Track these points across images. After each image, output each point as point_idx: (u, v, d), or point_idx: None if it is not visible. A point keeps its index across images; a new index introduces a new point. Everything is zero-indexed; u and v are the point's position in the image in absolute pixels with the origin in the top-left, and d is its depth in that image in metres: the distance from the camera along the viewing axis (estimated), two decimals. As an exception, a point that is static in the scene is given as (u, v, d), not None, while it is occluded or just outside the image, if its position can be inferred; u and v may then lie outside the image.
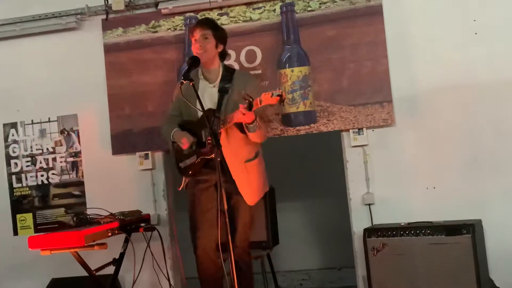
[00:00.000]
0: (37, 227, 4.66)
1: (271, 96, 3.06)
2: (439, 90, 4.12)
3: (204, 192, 3.59)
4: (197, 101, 3.16)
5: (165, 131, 3.74)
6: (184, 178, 3.66)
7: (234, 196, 3.50)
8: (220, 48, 3.61)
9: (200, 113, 3.46)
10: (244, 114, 3.21)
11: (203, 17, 4.37)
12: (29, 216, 4.70)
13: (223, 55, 3.66)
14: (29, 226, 4.69)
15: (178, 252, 4.29)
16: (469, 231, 3.63)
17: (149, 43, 4.50)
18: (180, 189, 3.70)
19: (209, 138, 3.09)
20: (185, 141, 3.49)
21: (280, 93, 3.05)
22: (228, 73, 3.60)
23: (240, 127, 3.41)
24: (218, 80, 3.57)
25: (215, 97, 3.52)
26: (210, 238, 3.52)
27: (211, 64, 3.59)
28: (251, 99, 3.14)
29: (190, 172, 3.58)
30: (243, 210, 3.56)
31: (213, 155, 3.09)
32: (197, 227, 3.57)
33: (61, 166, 4.66)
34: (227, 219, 2.91)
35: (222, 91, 3.53)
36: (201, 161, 3.49)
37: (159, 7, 4.48)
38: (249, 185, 3.53)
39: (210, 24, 3.60)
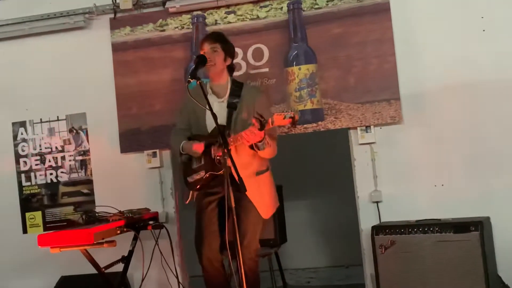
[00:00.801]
0: (46, 225, 4.69)
1: (284, 118, 3.05)
2: (447, 87, 4.11)
3: (211, 204, 3.58)
4: (207, 104, 3.13)
5: (173, 144, 3.71)
6: (191, 192, 3.65)
7: (243, 203, 3.45)
8: (229, 61, 3.60)
9: (208, 125, 3.46)
10: (254, 133, 3.18)
11: (210, 15, 4.37)
12: (38, 214, 4.72)
13: (231, 69, 3.65)
14: (38, 224, 4.72)
15: (181, 252, 4.31)
16: (477, 228, 3.63)
17: (157, 42, 4.51)
18: (187, 202, 3.68)
19: (219, 154, 3.07)
20: (197, 146, 3.46)
21: (293, 116, 3.04)
22: (237, 88, 3.57)
23: (250, 144, 3.39)
24: (227, 95, 3.54)
25: (224, 113, 3.49)
26: (215, 250, 3.54)
27: (219, 78, 3.57)
28: (263, 120, 3.12)
29: (198, 187, 3.57)
30: (254, 219, 3.51)
31: (222, 172, 3.08)
32: (202, 239, 3.56)
33: (69, 165, 4.69)
34: (234, 217, 2.91)
35: (231, 107, 3.50)
36: (209, 176, 3.47)
37: (166, 5, 4.49)
38: (262, 198, 3.52)
39: (219, 38, 3.59)
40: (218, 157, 3.23)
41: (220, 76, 3.57)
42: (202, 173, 3.50)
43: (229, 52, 3.60)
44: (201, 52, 3.53)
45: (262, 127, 3.12)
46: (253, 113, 3.27)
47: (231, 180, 2.97)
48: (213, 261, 3.56)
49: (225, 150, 2.99)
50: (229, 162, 2.97)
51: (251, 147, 3.37)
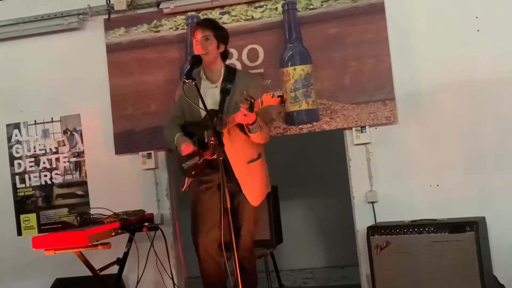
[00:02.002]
0: (41, 227, 4.67)
1: (272, 97, 3.06)
2: (442, 87, 4.12)
3: (206, 192, 3.58)
4: (200, 101, 3.16)
5: (168, 135, 3.72)
6: (187, 179, 3.66)
7: (237, 196, 3.50)
8: (222, 48, 3.60)
9: (203, 114, 3.46)
10: (245, 115, 3.20)
11: (205, 16, 4.38)
12: (32, 216, 4.71)
13: (225, 55, 3.66)
14: (32, 226, 4.70)
15: (181, 252, 4.29)
16: (472, 228, 3.63)
17: (151, 43, 4.50)
18: (183, 189, 3.70)
19: (212, 138, 3.08)
20: (184, 148, 3.49)
21: (281, 94, 3.04)
22: (230, 73, 3.59)
23: (242, 127, 3.41)
24: (220, 80, 3.56)
25: (217, 98, 3.51)
26: (212, 238, 3.53)
27: (213, 65, 3.58)
28: (252, 100, 3.13)
29: (193, 173, 3.57)
30: (247, 210, 3.55)
31: (215, 156, 3.09)
32: (198, 227, 3.56)
33: (64, 166, 4.67)
34: (230, 218, 2.91)
35: (224, 92, 3.52)
36: (203, 162, 3.48)
37: (161, 6, 4.49)
38: (252, 185, 3.53)
39: (211, 25, 3.59)
40: (211, 142, 3.22)
41: (214, 63, 3.58)
42: (196, 159, 3.50)
43: (222, 38, 3.59)
44: (194, 40, 3.54)
45: (251, 107, 3.12)
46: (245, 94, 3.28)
47: (224, 169, 2.98)
48: (209, 250, 3.54)
49: (218, 141, 3.00)
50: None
51: (244, 131, 3.37)
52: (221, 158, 2.99)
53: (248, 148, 3.52)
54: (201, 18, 4.40)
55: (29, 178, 4.72)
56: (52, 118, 4.70)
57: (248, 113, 3.19)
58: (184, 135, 3.60)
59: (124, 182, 4.54)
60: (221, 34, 3.59)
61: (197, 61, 3.41)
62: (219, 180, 3.22)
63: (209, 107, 3.35)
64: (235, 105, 3.45)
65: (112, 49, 4.56)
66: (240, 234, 3.51)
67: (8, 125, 4.77)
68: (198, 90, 3.20)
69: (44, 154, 4.71)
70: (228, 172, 3.06)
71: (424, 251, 3.70)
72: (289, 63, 4.28)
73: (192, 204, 3.63)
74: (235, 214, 3.32)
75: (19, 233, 4.72)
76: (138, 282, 4.04)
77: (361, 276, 4.25)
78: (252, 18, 4.37)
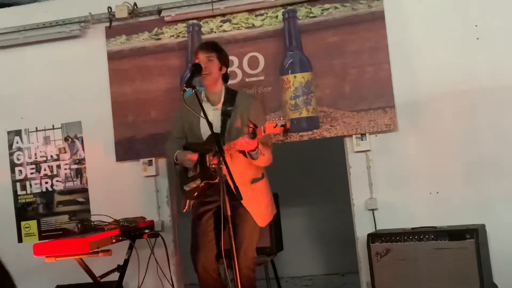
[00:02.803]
0: (42, 234, 4.68)
1: (275, 127, 3.04)
2: (441, 95, 4.13)
3: (207, 214, 3.57)
4: (201, 112, 3.13)
5: (169, 153, 3.70)
6: (188, 201, 3.64)
7: (239, 211, 3.44)
8: (224, 70, 3.60)
9: (203, 132, 3.46)
10: (247, 142, 3.18)
11: (206, 24, 4.39)
12: (33, 223, 4.71)
13: (225, 77, 3.65)
14: (33, 233, 4.70)
15: (178, 261, 4.30)
16: (472, 235, 3.63)
17: (152, 50, 4.52)
18: (184, 210, 3.66)
19: (214, 162, 3.07)
20: (190, 156, 3.46)
21: (284, 124, 3.03)
22: (230, 95, 3.57)
23: (244, 152, 3.38)
24: (221, 102, 3.55)
25: (218, 121, 3.49)
26: (211, 259, 3.54)
27: (214, 87, 3.57)
28: (255, 127, 3.12)
29: (194, 195, 3.55)
30: (250, 228, 3.50)
31: (217, 180, 3.08)
32: (198, 248, 3.54)
33: (65, 173, 4.68)
34: (230, 225, 2.90)
35: (225, 115, 3.50)
36: (205, 185, 3.46)
37: (162, 14, 4.51)
38: (258, 206, 3.51)
39: (214, 47, 3.59)
40: (213, 165, 3.22)
41: (215, 85, 3.57)
42: (198, 182, 3.50)
43: (224, 61, 3.60)
44: (196, 61, 3.53)
45: (254, 135, 3.12)
46: (247, 121, 3.28)
47: (227, 189, 2.97)
48: (209, 271, 3.55)
49: (220, 158, 2.99)
50: (224, 170, 2.97)
51: (245, 155, 3.38)
52: (223, 175, 2.96)
53: (250, 169, 3.50)
54: (202, 26, 4.42)
55: (30, 185, 4.73)
56: (53, 125, 4.71)
57: (249, 140, 3.16)
58: None
59: (124, 189, 4.54)
60: (223, 56, 3.60)
61: (197, 69, 3.42)
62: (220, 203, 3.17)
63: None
64: (236, 128, 3.45)
65: (113, 56, 4.58)
66: (240, 252, 3.43)
67: (9, 132, 4.79)
68: (199, 99, 3.18)
69: (45, 161, 4.72)
70: (231, 194, 3.00)
71: (424, 258, 3.70)
72: (290, 71, 4.30)
73: (193, 226, 3.61)
74: (235, 231, 3.25)
75: (20, 240, 4.72)
76: (138, 289, 4.04)
77: (361, 283, 4.25)
78: (253, 26, 4.39)
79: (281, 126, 3.03)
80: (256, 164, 3.45)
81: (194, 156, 3.46)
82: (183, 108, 3.32)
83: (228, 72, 3.66)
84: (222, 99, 3.56)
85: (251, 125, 3.10)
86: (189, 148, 3.57)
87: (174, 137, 3.73)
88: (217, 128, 3.44)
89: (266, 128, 3.08)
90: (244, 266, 3.44)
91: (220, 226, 3.16)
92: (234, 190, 2.94)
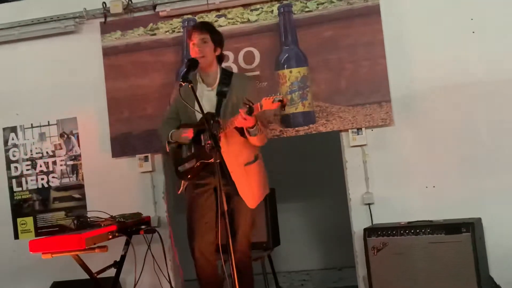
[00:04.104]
0: (38, 231, 4.67)
1: (273, 102, 3.06)
2: (437, 89, 4.13)
3: (203, 195, 3.58)
4: (196, 104, 3.16)
5: (162, 132, 3.73)
6: (183, 182, 3.66)
7: (234, 198, 3.50)
8: (218, 51, 3.61)
9: (198, 117, 3.47)
10: (245, 118, 3.21)
11: (201, 19, 4.38)
12: (29, 220, 4.70)
13: (220, 59, 3.66)
14: (29, 229, 4.70)
15: (177, 257, 4.31)
16: (468, 229, 3.64)
17: (148, 46, 4.51)
18: (179, 192, 3.70)
19: (209, 142, 3.09)
20: (187, 131, 3.47)
21: (281, 98, 3.05)
22: (226, 76, 3.59)
23: (241, 131, 3.41)
24: (216, 83, 3.56)
25: (213, 101, 3.52)
26: (207, 242, 3.54)
27: (209, 68, 3.58)
28: (251, 104, 3.13)
29: (189, 176, 3.57)
30: (243, 212, 3.55)
31: (212, 159, 3.09)
32: (194, 231, 3.56)
33: (61, 170, 4.67)
34: (227, 220, 2.91)
35: (220, 95, 3.52)
36: (200, 165, 3.48)
37: (157, 9, 4.49)
38: (250, 188, 3.53)
39: (208, 28, 3.60)
40: (208, 145, 3.23)
41: (211, 66, 3.58)
42: (193, 162, 3.50)
43: (219, 42, 3.60)
44: (190, 43, 3.54)
45: (251, 111, 3.13)
46: (244, 98, 3.29)
47: (221, 171, 2.98)
48: (205, 253, 3.55)
49: (214, 143, 2.99)
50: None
51: (242, 134, 3.38)
52: (217, 161, 2.99)
53: (245, 151, 3.53)
54: (198, 21, 4.41)
55: (26, 182, 4.72)
56: (48, 122, 4.70)
57: (247, 117, 3.19)
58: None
59: (121, 185, 4.54)
60: (217, 37, 3.60)
61: (193, 64, 3.42)
62: (215, 184, 3.23)
63: (205, 110, 3.35)
64: (231, 108, 3.45)
65: (108, 52, 4.56)
66: (236, 237, 3.51)
67: (4, 129, 4.77)
68: (195, 93, 3.20)
69: (40, 158, 4.71)
70: (224, 175, 3.06)
71: (421, 252, 3.71)
72: (285, 66, 4.29)
73: (188, 208, 3.64)
74: (231, 217, 3.32)
75: (16, 236, 4.71)
76: (135, 285, 4.04)
77: (358, 277, 4.26)
78: (248, 21, 4.38)
79: (279, 101, 3.04)
80: (252, 142, 3.46)
81: (190, 132, 3.47)
82: (179, 92, 3.30)
83: (223, 53, 3.66)
84: (218, 80, 3.56)
85: (248, 102, 3.11)
86: (183, 128, 3.58)
87: (167, 117, 3.74)
88: (212, 108, 3.48)
89: (263, 104, 3.11)
90: (239, 250, 3.47)
91: (216, 208, 3.16)
92: (227, 174, 2.97)
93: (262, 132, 3.40)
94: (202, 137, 3.46)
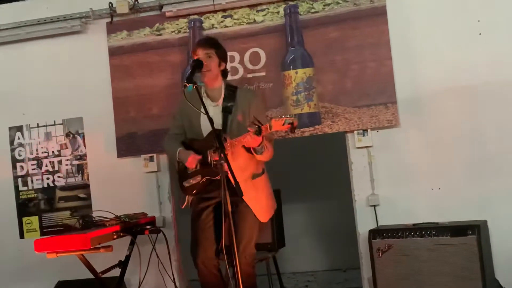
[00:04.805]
0: (43, 230, 4.68)
1: (283, 124, 3.04)
2: (443, 91, 4.12)
3: (207, 210, 3.56)
4: (202, 107, 3.13)
5: (169, 149, 3.71)
6: (187, 197, 3.63)
7: (240, 208, 3.44)
8: (223, 66, 3.59)
9: (203, 126, 3.45)
10: (253, 138, 3.18)
11: (207, 20, 4.38)
12: (35, 219, 4.72)
13: (225, 73, 3.64)
14: (35, 229, 4.71)
15: (179, 259, 4.30)
16: (474, 232, 3.63)
17: (154, 46, 4.51)
18: (183, 207, 3.66)
19: (215, 158, 3.07)
20: (191, 160, 3.46)
21: (292, 122, 3.03)
22: (231, 91, 3.56)
23: (247, 148, 3.39)
24: (221, 99, 3.54)
25: (219, 117, 3.48)
26: (210, 255, 3.53)
27: (214, 83, 3.55)
28: (260, 124, 3.11)
29: (194, 192, 3.56)
30: (249, 225, 3.49)
31: (218, 177, 3.08)
32: (198, 244, 3.54)
33: (66, 169, 4.68)
34: (231, 221, 2.90)
35: (226, 111, 3.50)
36: (206, 181, 3.47)
37: (163, 10, 4.50)
38: (258, 201, 3.50)
39: (212, 43, 3.58)
40: (214, 162, 3.22)
41: (215, 81, 3.56)
42: (198, 178, 3.49)
43: (223, 57, 3.60)
44: (195, 57, 3.53)
45: (259, 132, 3.11)
46: (248, 116, 3.29)
47: (227, 185, 2.97)
48: (208, 266, 3.55)
49: (222, 155, 2.99)
50: (225, 167, 2.96)
51: (249, 151, 3.37)
52: (224, 164, 2.97)
53: (251, 165, 3.50)
54: (203, 21, 4.41)
55: (32, 181, 4.73)
56: (54, 121, 4.71)
57: (255, 137, 3.16)
58: None
59: (126, 185, 4.54)
60: (222, 52, 3.59)
61: (198, 64, 3.40)
62: (221, 198, 3.18)
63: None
64: (237, 124, 3.44)
65: (114, 52, 4.57)
66: (240, 248, 3.41)
67: (10, 128, 4.79)
68: (200, 95, 3.18)
69: (46, 157, 4.72)
70: (232, 190, 3.01)
71: (426, 254, 3.70)
72: (291, 67, 4.29)
73: (192, 222, 3.61)
74: (235, 227, 3.24)
75: (22, 235, 4.73)
76: (140, 285, 4.04)
77: (362, 279, 4.25)
78: (254, 21, 4.38)
79: (289, 124, 3.02)
80: (259, 159, 3.45)
81: (193, 165, 3.45)
82: (183, 103, 3.32)
83: (227, 68, 3.65)
84: (223, 95, 3.55)
85: (256, 123, 3.09)
86: (189, 144, 3.56)
87: (172, 133, 3.71)
88: (218, 125, 3.43)
89: (272, 125, 3.08)
90: (243, 263, 3.44)
91: (220, 222, 3.15)
92: (234, 186, 2.93)
93: (268, 149, 3.38)
94: (208, 153, 3.44)
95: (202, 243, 3.53)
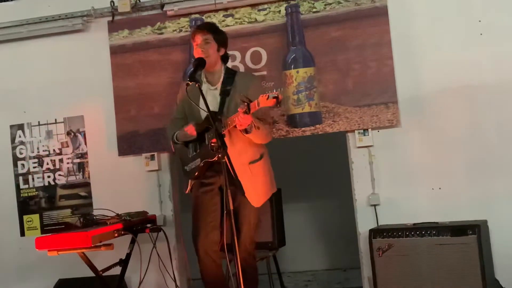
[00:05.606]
0: (44, 228, 4.69)
1: (267, 99, 3.06)
2: (445, 91, 4.12)
3: (207, 194, 3.59)
4: (202, 103, 3.16)
5: (168, 132, 3.78)
6: (190, 181, 3.67)
7: (238, 198, 3.47)
8: (222, 51, 3.61)
9: (203, 116, 3.48)
10: (244, 117, 3.20)
11: (208, 19, 4.39)
12: (36, 217, 4.72)
13: (225, 58, 3.66)
14: (36, 227, 4.71)
15: (186, 256, 4.32)
16: (474, 231, 3.63)
17: (155, 45, 4.52)
18: (187, 191, 3.70)
19: (213, 140, 3.09)
20: (189, 129, 3.48)
21: (276, 95, 3.04)
22: (230, 75, 3.59)
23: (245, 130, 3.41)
24: (220, 82, 3.57)
25: (217, 100, 3.52)
26: (212, 241, 3.54)
27: (213, 68, 3.58)
28: (249, 101, 3.13)
29: (196, 175, 3.59)
30: (247, 212, 3.55)
31: (216, 158, 3.10)
32: (198, 230, 3.56)
33: (67, 167, 4.69)
34: (232, 220, 2.92)
35: (224, 94, 3.53)
36: (205, 164, 3.50)
37: (164, 8, 4.50)
38: (254, 186, 3.53)
39: (210, 28, 3.60)
40: (212, 144, 3.23)
41: (214, 66, 3.58)
42: (198, 161, 3.52)
43: (222, 42, 3.60)
44: (194, 44, 3.55)
45: (248, 109, 3.13)
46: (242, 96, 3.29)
47: (228, 174, 2.99)
48: (209, 252, 3.55)
49: (220, 141, 3.00)
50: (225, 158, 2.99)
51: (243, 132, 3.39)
52: (223, 160, 2.99)
53: (249, 149, 3.53)
54: (205, 20, 4.41)
55: (33, 179, 4.74)
56: (55, 119, 4.72)
57: (245, 116, 3.18)
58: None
59: (127, 183, 4.55)
60: (220, 37, 3.60)
61: (200, 63, 3.42)
62: (221, 183, 3.22)
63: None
64: (234, 107, 3.45)
65: (115, 50, 4.57)
66: (240, 236, 3.51)
67: (12, 126, 4.79)
68: (201, 92, 3.21)
69: (47, 155, 4.73)
70: (229, 174, 3.05)
71: (426, 254, 3.70)
72: (292, 66, 4.29)
73: (193, 207, 3.64)
74: (235, 216, 3.31)
75: (22, 233, 4.73)
76: (140, 283, 4.05)
77: (363, 278, 4.25)
78: (256, 20, 4.38)
79: (273, 97, 3.04)
80: (253, 139, 3.46)
81: (191, 128, 3.47)
82: (186, 91, 3.32)
83: (227, 53, 3.66)
84: (221, 79, 3.57)
85: (245, 100, 3.11)
86: None
87: (175, 117, 3.78)
88: (215, 107, 3.48)
89: (259, 101, 3.10)
90: (243, 250, 3.47)
91: (222, 206, 3.16)
92: (231, 171, 2.97)
93: (259, 129, 3.37)
94: (206, 136, 3.46)
95: (203, 229, 3.54)
